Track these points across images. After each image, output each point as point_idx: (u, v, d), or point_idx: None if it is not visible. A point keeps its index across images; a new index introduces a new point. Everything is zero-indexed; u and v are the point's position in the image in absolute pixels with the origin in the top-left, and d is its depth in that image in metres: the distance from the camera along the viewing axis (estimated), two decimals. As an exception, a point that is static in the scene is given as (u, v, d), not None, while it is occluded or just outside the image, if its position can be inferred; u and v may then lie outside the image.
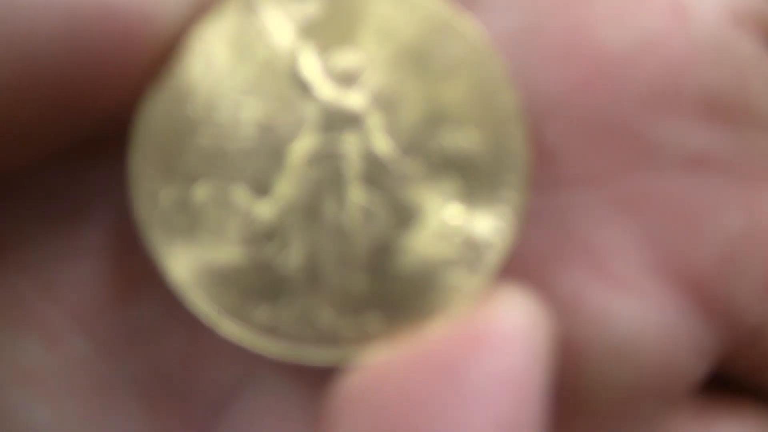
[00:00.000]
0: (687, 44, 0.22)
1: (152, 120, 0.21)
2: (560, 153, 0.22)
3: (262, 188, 0.21)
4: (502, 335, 0.18)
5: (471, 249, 0.20)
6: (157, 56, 0.20)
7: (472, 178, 0.20)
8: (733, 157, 0.22)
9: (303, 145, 0.21)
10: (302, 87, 0.21)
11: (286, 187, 0.21)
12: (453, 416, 0.18)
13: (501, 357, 0.18)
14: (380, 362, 0.19)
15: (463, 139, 0.20)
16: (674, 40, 0.22)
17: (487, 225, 0.20)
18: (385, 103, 0.21)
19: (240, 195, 0.21)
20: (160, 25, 0.19)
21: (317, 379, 0.22)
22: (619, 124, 0.22)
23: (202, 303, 0.20)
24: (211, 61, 0.21)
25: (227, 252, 0.20)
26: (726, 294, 0.22)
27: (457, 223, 0.20)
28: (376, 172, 0.20)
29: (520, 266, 0.22)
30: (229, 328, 0.21)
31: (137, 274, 0.23)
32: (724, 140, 0.22)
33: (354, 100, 0.21)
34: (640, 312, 0.21)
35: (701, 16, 0.22)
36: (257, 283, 0.20)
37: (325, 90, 0.21)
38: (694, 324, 0.22)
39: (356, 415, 0.19)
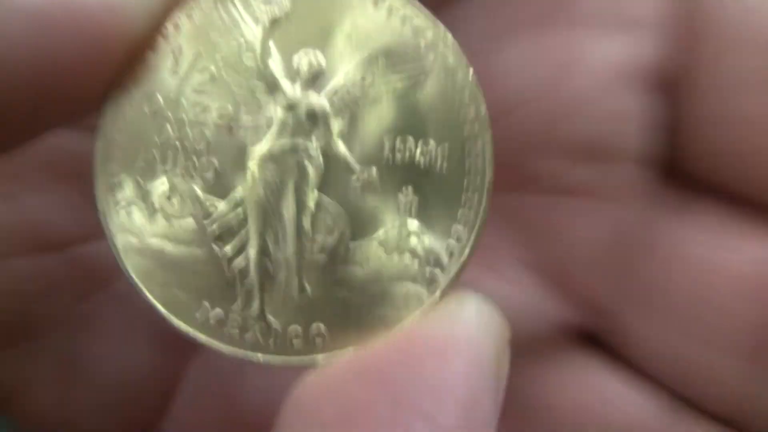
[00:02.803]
0: (567, 96, 0.25)
1: (117, 115, 0.20)
2: None
3: (220, 187, 0.20)
4: (445, 344, 0.19)
5: (424, 263, 0.20)
6: (127, 51, 0.20)
7: (430, 192, 0.20)
8: (603, 188, 0.25)
9: (263, 146, 0.20)
10: (267, 85, 0.20)
11: (244, 188, 0.20)
12: (392, 425, 0.18)
13: (443, 365, 0.19)
14: (326, 371, 0.19)
15: (423, 152, 0.20)
16: (557, 91, 0.25)
17: (442, 240, 0.20)
18: (349, 107, 0.20)
19: (198, 193, 0.20)
20: (128, 21, 0.19)
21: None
22: (508, 155, 0.23)
23: (153, 297, 0.20)
24: (177, 59, 0.20)
25: (181, 248, 0.20)
26: (582, 283, 0.26)
27: (413, 236, 0.20)
28: (334, 178, 0.20)
29: None
30: (178, 323, 0.20)
31: None
32: (594, 175, 0.25)
33: (318, 101, 0.20)
34: (513, 296, 0.27)
35: (587, 71, 0.25)
36: (208, 282, 0.20)
37: (290, 90, 0.20)
38: (552, 303, 0.27)
39: (300, 423, 0.19)
